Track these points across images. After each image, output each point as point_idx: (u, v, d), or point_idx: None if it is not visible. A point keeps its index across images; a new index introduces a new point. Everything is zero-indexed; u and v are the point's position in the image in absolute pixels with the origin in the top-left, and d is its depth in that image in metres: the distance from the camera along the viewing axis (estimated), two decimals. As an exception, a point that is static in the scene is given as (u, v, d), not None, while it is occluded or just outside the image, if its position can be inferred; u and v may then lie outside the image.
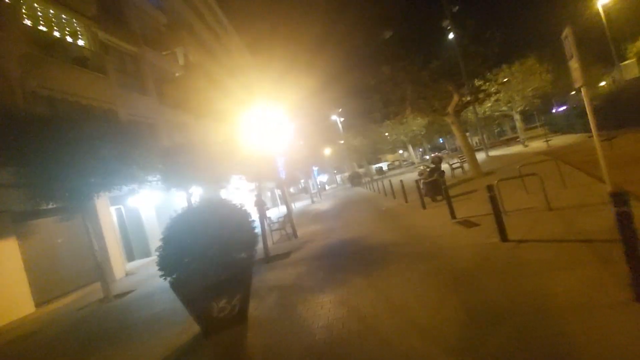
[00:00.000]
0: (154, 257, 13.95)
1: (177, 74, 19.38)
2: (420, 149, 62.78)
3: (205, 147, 12.34)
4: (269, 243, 10.51)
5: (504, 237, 4.96)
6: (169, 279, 4.31)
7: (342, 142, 44.71)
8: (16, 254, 8.86)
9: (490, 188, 5.02)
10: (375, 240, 7.31)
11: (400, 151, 66.25)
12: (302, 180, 38.97)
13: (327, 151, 54.30)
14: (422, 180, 11.97)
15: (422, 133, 30.73)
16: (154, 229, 15.22)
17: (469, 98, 13.05)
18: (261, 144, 9.83)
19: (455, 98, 12.29)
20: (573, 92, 31.11)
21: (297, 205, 27.67)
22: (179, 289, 4.27)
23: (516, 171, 8.68)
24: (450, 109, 12.81)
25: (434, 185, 10.32)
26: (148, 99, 15.02)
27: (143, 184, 9.39)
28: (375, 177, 37.52)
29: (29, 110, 7.95)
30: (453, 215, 7.37)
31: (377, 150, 44.69)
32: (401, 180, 12.49)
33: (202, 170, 13.51)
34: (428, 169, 12.01)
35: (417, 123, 30.00)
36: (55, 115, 7.74)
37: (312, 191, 31.91)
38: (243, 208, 5.01)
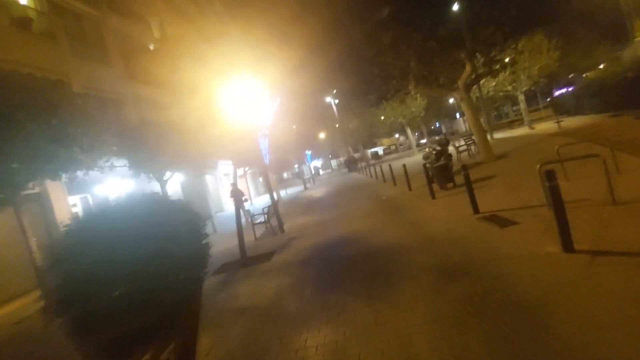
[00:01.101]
0: None
1: (151, 47, 17.27)
2: (417, 133, 61.12)
3: (181, 126, 10.59)
4: (251, 238, 8.96)
5: (567, 245, 3.44)
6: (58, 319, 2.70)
7: (337, 125, 42.88)
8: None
9: (550, 175, 3.44)
10: (379, 241, 5.77)
11: (397, 135, 64.66)
12: (296, 165, 37.33)
13: (322, 135, 52.45)
14: (428, 165, 10.47)
15: (422, 115, 28.98)
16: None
17: (482, 70, 11.36)
18: (241, 122, 8.13)
19: (468, 69, 10.60)
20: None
21: (288, 192, 26.09)
22: (74, 334, 2.68)
23: (533, 153, 7.16)
24: (460, 83, 11.13)
25: (444, 171, 8.77)
26: (112, 71, 13.06)
27: (94, 169, 7.68)
28: (371, 161, 36.01)
29: None
30: (476, 208, 5.83)
31: (373, 134, 43.01)
32: (404, 165, 10.93)
33: (176, 153, 11.81)
34: (434, 152, 10.51)
35: (416, 104, 28.22)
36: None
37: (305, 177, 30.31)
38: (187, 207, 3.40)
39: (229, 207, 25.03)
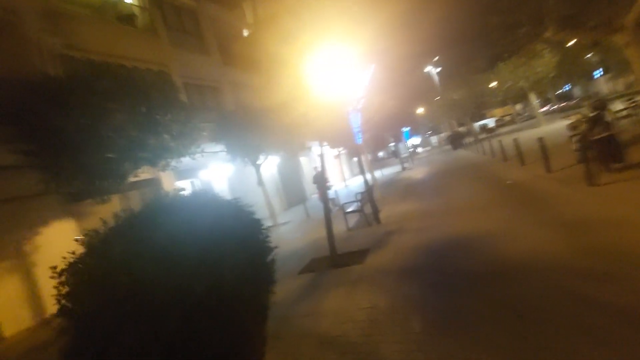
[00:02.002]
0: None
1: (244, 32, 17.50)
2: (537, 100, 50.66)
3: (271, 108, 10.18)
4: (343, 228, 7.98)
5: None
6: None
7: (437, 98, 38.41)
8: (76, 234, 8.32)
9: None
10: (516, 252, 4.02)
11: (512, 104, 55.22)
12: (392, 144, 35.03)
13: (420, 110, 48.11)
14: (578, 137, 7.73)
15: (551, 75, 23.18)
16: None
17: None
18: (328, 96, 7.06)
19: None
20: None
21: (384, 173, 24.45)
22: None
23: None
24: (628, 20, 7.70)
25: (609, 145, 6.08)
26: (209, 59, 13.46)
27: (186, 156, 7.70)
28: (481, 136, 31.20)
29: (53, 76, 6.69)
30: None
31: (482, 104, 37.05)
32: (540, 138, 8.25)
33: (267, 136, 11.57)
34: (586, 119, 7.69)
35: (544, 62, 22.63)
36: (72, 76, 6.28)
37: (403, 155, 28.04)
38: (244, 208, 2.47)
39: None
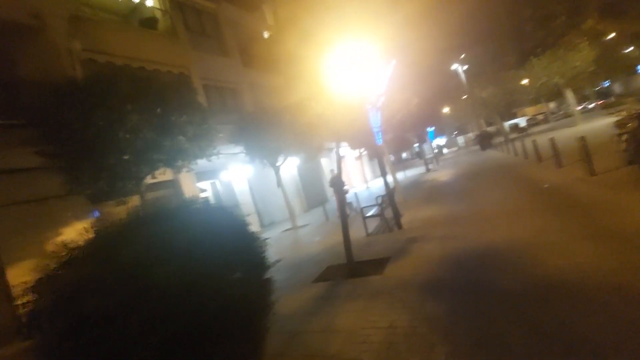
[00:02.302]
0: None
1: (265, 34, 17.45)
2: (574, 98, 47.41)
3: (289, 109, 9.97)
4: (362, 234, 7.59)
5: None
6: None
7: (465, 97, 36.96)
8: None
9: None
10: (563, 268, 3.49)
11: (545, 102, 52.41)
12: (416, 145, 34.04)
13: (446, 110, 46.51)
14: (628, 136, 6.96)
15: (590, 70, 21.53)
16: (248, 204, 14.20)
17: None
18: (346, 93, 6.71)
19: None
20: None
21: (407, 175, 23.71)
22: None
23: None
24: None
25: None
26: (229, 61, 13.45)
27: (202, 158, 7.59)
28: (512, 135, 29.68)
29: (75, 80, 6.77)
30: None
31: (511, 103, 35.18)
32: (582, 138, 7.46)
33: (285, 137, 11.36)
34: (635, 114, 6.92)
35: (581, 56, 21.08)
36: (93, 79, 6.30)
37: (427, 156, 27.11)
38: (236, 219, 2.17)
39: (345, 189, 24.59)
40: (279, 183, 12.50)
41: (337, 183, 5.85)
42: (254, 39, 15.31)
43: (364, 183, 25.38)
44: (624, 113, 7.33)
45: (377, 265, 5.34)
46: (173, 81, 7.58)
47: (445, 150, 51.56)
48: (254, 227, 12.06)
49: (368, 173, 31.97)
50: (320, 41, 6.67)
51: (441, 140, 55.18)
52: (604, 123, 18.55)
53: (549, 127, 31.59)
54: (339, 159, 5.77)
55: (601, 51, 23.61)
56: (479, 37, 50.47)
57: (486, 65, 35.56)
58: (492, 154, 21.50)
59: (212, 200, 13.99)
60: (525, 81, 28.99)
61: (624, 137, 7.04)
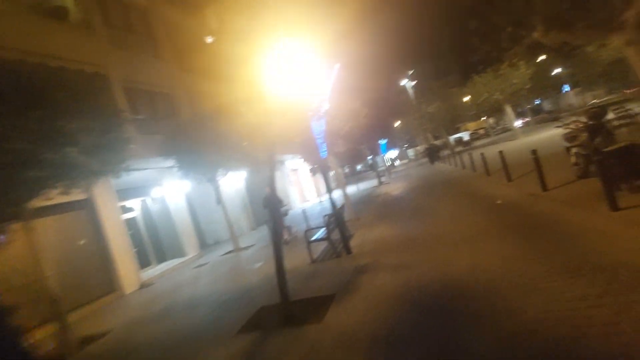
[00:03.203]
0: (188, 258, 10.53)
1: (208, 39, 16.09)
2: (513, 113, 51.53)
3: (229, 119, 8.74)
4: (306, 260, 6.53)
5: None
6: None
7: (414, 111, 38.24)
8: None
9: None
10: (554, 319, 2.69)
11: (484, 118, 56.37)
12: (369, 157, 34.18)
13: (397, 123, 47.90)
14: (578, 149, 6.78)
15: (527, 87, 23.10)
16: (186, 224, 12.51)
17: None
18: (283, 100, 5.74)
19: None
20: None
21: (360, 188, 23.32)
22: None
23: None
24: (629, 17, 6.91)
25: (628, 158, 5.00)
26: (162, 63, 11.93)
27: (108, 174, 6.09)
28: (457, 149, 30.88)
29: None
30: None
31: (456, 118, 37.11)
32: (534, 152, 7.16)
33: (227, 150, 10.08)
34: (584, 127, 6.84)
35: (519, 74, 22.54)
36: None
37: (379, 169, 27.12)
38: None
39: (297, 204, 23.47)
40: (219, 200, 11.08)
41: (271, 203, 4.76)
42: (193, 42, 13.89)
43: (318, 197, 24.50)
44: (572, 126, 7.22)
45: (318, 306, 4.29)
46: (73, 80, 6.03)
47: (397, 163, 52.96)
48: (193, 248, 10.38)
49: (323, 187, 31.30)
50: (262, 43, 5.68)
51: (393, 153, 56.77)
52: (543, 136, 19.73)
53: (490, 141, 33.52)
54: (273, 174, 4.71)
55: (535, 70, 25.62)
56: (426, 54, 53.29)
57: (432, 81, 37.18)
58: (440, 167, 21.86)
59: (140, 220, 12.12)
60: (467, 98, 30.62)
61: (574, 150, 6.87)
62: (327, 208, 15.76)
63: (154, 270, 11.18)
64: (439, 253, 5.00)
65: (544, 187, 6.72)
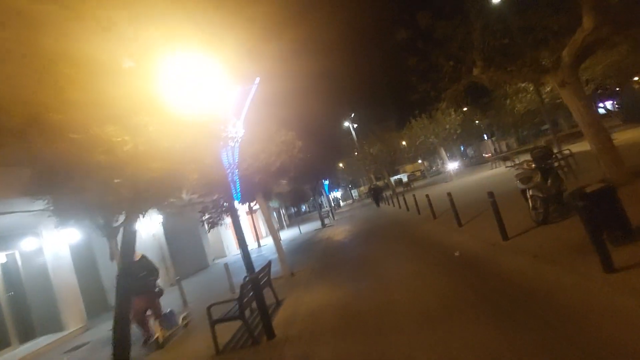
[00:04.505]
0: (66, 334, 7.40)
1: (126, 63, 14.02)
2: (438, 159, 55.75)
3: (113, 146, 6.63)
4: (210, 350, 4.50)
5: None
6: None
7: (356, 153, 38.82)
8: None
9: None
10: None
11: (419, 160, 59.99)
12: (314, 197, 33.02)
13: (340, 165, 48.33)
14: (535, 192, 6.04)
15: (458, 132, 24.48)
16: (68, 286, 9.51)
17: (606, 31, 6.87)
18: (186, 122, 4.10)
19: (587, 26, 6.18)
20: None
21: (303, 230, 21.63)
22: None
23: None
24: (566, 55, 6.73)
25: (610, 205, 4.09)
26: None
27: None
28: (398, 189, 31.23)
29: None
30: None
31: (395, 160, 38.51)
32: (491, 194, 6.24)
33: (124, 185, 7.84)
34: (535, 167, 6.22)
35: (450, 120, 23.85)
36: None
37: (323, 210, 25.89)
38: None
39: (234, 250, 20.81)
40: (113, 255, 8.52)
41: (130, 268, 2.90)
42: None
43: (255, 242, 22.14)
44: (524, 166, 6.57)
45: None
46: None
47: (342, 203, 52.71)
48: (76, 319, 7.45)
49: (263, 230, 28.91)
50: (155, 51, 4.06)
51: (337, 194, 56.75)
52: (475, 178, 20.39)
53: (427, 183, 34.69)
54: (132, 236, 2.90)
55: (462, 118, 27.50)
56: (366, 99, 56.17)
57: (373, 124, 38.45)
58: (384, 208, 21.27)
59: (1, 283, 8.87)
60: (404, 143, 31.87)
61: (530, 192, 6.12)
62: (264, 257, 13.73)
63: (12, 355, 7.93)
64: (393, 343, 3.44)
65: (504, 235, 5.74)
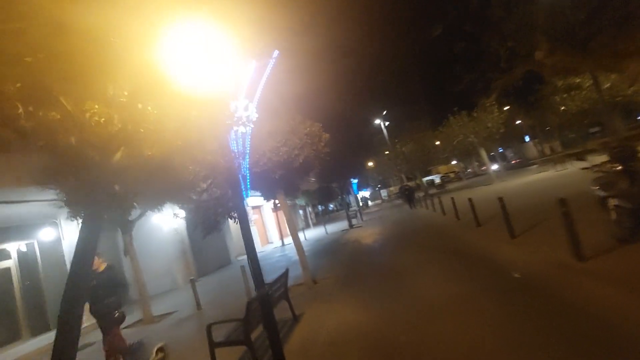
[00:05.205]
0: (83, 328, 6.85)
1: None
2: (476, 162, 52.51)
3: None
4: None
5: None
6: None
7: (387, 152, 37.25)
8: None
9: None
10: None
11: (454, 162, 57.09)
12: (342, 196, 32.03)
13: (370, 164, 46.82)
14: (615, 199, 4.82)
15: (501, 131, 22.47)
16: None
17: None
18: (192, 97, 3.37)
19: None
20: None
21: (329, 231, 20.77)
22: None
23: None
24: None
25: None
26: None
27: None
28: (431, 191, 29.49)
29: None
30: None
31: (428, 161, 36.51)
32: (563, 202, 5.00)
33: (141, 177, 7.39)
34: (621, 170, 4.96)
35: (492, 117, 21.92)
36: None
37: (351, 210, 24.87)
38: None
39: (258, 247, 20.41)
40: (127, 250, 8.14)
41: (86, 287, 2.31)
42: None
43: (280, 240, 21.57)
44: (605, 168, 5.29)
45: None
46: None
47: (370, 203, 51.32)
48: (91, 317, 6.55)
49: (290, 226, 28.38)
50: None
51: (366, 193, 55.33)
52: (520, 182, 18.51)
53: (463, 185, 32.62)
54: (93, 236, 2.20)
55: (506, 116, 25.32)
56: (399, 97, 54.19)
57: (406, 122, 36.74)
58: (417, 211, 19.91)
59: (14, 273, 8.77)
60: (437, 142, 30.01)
61: (613, 202, 4.86)
62: (287, 258, 13.04)
63: (19, 350, 7.71)
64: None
65: (579, 255, 4.54)
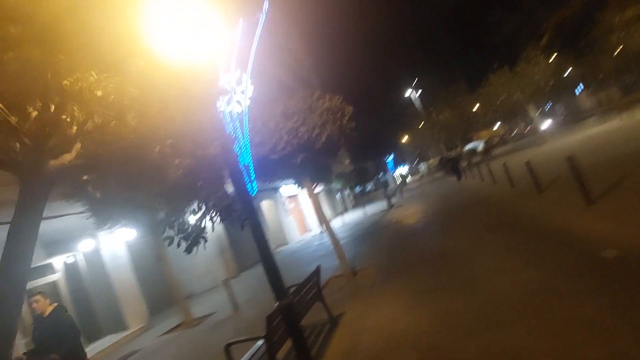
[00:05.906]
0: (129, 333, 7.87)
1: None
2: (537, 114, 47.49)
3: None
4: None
5: None
6: None
7: (422, 122, 35.06)
8: None
9: None
10: None
11: (497, 125, 52.74)
12: (378, 175, 30.85)
13: (405, 138, 44.66)
14: None
15: (551, 84, 19.91)
16: (127, 282, 9.37)
17: None
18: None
19: None
20: None
21: (367, 212, 19.90)
22: None
23: None
24: None
25: None
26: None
27: None
28: (475, 159, 27.30)
29: None
30: None
31: (467, 127, 33.67)
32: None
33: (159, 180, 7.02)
34: None
35: (540, 69, 19.42)
36: None
37: (389, 189, 23.75)
38: None
39: (297, 236, 20.14)
40: (160, 255, 7.96)
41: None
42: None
43: (318, 227, 21.14)
44: None
45: None
46: None
47: (409, 179, 49.37)
48: (138, 318, 6.73)
49: (328, 212, 27.93)
50: None
51: (403, 169, 53.24)
52: (576, 139, 16.18)
53: (511, 149, 29.80)
54: (23, 266, 1.60)
55: (554, 68, 22.38)
56: (429, 62, 50.71)
57: (440, 88, 34.21)
58: (462, 182, 18.35)
59: (63, 285, 9.02)
60: (476, 107, 27.49)
61: None
62: (324, 247, 12.48)
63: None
64: None
65: None
